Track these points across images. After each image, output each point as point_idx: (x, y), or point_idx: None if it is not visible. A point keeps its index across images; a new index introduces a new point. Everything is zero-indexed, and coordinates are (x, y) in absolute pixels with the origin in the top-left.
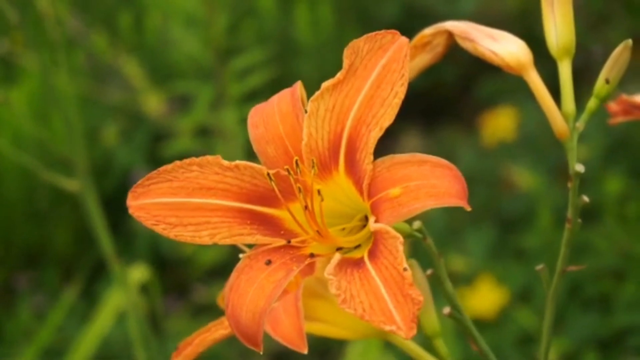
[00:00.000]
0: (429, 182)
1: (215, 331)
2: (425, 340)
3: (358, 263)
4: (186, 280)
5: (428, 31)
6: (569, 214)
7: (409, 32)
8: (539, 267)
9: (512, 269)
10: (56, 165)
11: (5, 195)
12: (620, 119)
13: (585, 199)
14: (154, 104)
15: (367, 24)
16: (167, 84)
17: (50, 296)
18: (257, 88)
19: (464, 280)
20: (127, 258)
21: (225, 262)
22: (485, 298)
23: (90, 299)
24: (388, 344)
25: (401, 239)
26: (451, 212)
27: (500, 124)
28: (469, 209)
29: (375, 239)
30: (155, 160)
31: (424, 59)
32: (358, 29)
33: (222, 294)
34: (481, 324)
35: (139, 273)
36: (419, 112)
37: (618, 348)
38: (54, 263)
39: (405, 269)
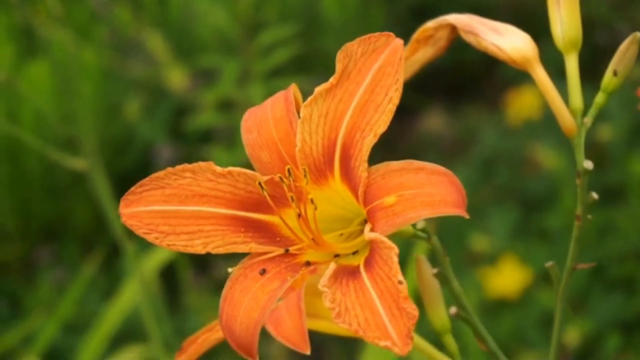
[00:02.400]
0: (424, 190)
1: (217, 330)
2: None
3: (354, 273)
4: (208, 255)
5: (431, 24)
6: (578, 210)
7: (435, 12)
8: (549, 264)
9: (535, 249)
10: (74, 142)
11: (26, 169)
12: None
13: (595, 195)
14: (177, 78)
15: (392, 1)
16: (190, 58)
17: (71, 270)
18: (283, 64)
19: (487, 260)
20: None
21: None
22: (508, 278)
23: (111, 274)
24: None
25: (396, 249)
26: (474, 192)
27: (524, 102)
28: (467, 217)
29: (372, 247)
30: (178, 136)
31: (426, 53)
32: (383, 6)
33: None
34: (504, 304)
35: (163, 249)
36: (442, 90)
37: None
38: (74, 237)
39: (400, 282)
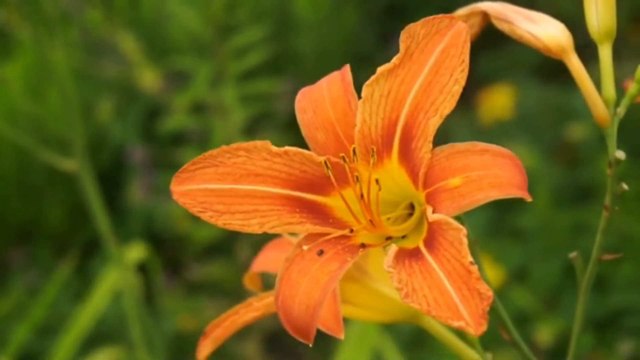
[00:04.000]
0: (491, 172)
1: (244, 314)
2: None
3: (415, 254)
4: (179, 257)
5: (462, 12)
6: (607, 200)
7: (408, 12)
8: (573, 254)
9: (508, 249)
10: (51, 142)
11: None
12: None
13: (625, 186)
14: (149, 79)
15: (366, 0)
16: (163, 59)
17: (44, 273)
18: (256, 65)
19: None
20: (121, 234)
21: (219, 241)
22: None
23: (84, 276)
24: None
25: (464, 230)
26: None
27: (497, 101)
28: (530, 199)
29: (432, 229)
30: (150, 137)
31: None
32: (357, 5)
33: (248, 275)
34: None
35: (136, 251)
36: None
37: (613, 329)
38: (47, 239)
39: (471, 263)
